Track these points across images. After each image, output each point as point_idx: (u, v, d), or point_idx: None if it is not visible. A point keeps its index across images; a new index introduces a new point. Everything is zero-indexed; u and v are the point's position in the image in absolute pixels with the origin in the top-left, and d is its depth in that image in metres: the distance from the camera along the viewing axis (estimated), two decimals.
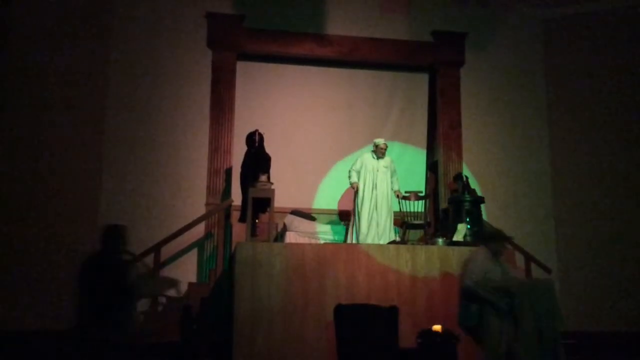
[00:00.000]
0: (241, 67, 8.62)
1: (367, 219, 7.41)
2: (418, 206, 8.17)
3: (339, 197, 8.54)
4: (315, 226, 7.94)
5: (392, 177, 7.69)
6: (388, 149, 7.91)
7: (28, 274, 7.20)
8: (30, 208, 7.42)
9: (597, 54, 8.95)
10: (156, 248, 7.22)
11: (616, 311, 8.02)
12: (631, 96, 8.75)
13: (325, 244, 6.65)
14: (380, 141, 7.73)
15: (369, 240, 7.27)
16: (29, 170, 7.51)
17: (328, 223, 8.21)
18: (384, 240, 7.21)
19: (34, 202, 7.47)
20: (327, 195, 8.50)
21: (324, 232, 7.82)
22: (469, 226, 6.93)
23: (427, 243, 7.20)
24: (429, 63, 9.08)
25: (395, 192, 7.69)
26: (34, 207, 7.45)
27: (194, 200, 8.05)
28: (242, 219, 7.23)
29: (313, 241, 7.23)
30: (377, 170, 7.58)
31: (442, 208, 8.47)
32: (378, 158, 7.64)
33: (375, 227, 7.36)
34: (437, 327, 5.42)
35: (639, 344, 5.70)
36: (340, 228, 8.08)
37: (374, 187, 7.50)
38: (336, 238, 7.82)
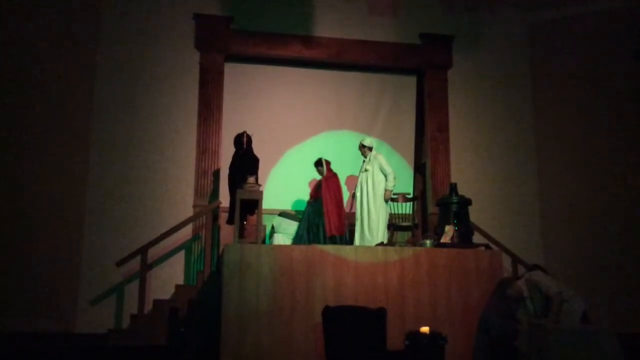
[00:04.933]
0: (229, 68, 8.60)
1: (359, 221, 7.42)
2: (406, 208, 8.20)
3: None
4: None
5: (381, 174, 7.42)
6: (377, 149, 7.91)
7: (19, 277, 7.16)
8: (12, 211, 7.35)
9: (582, 57, 9.04)
10: (143, 250, 7.18)
11: (603, 312, 8.07)
12: (616, 98, 8.83)
13: (313, 246, 6.64)
14: (361, 142, 7.68)
15: (360, 243, 7.27)
16: (13, 172, 7.43)
17: None
18: (374, 242, 7.18)
19: (17, 204, 7.40)
20: None
21: None
22: (456, 228, 6.95)
23: (414, 245, 7.22)
24: (416, 65, 9.11)
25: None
26: (16, 209, 7.38)
27: (181, 202, 8.02)
28: (230, 221, 7.21)
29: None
30: (361, 172, 7.58)
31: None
32: (364, 160, 7.65)
33: (368, 229, 7.32)
34: (424, 329, 5.44)
35: (627, 344, 5.74)
36: None
37: (360, 189, 7.50)
38: None
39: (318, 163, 7.76)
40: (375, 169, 7.43)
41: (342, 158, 8.46)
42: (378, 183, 7.40)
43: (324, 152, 8.53)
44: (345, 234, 7.53)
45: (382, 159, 7.51)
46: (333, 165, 7.82)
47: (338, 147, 8.66)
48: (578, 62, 9.05)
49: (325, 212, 7.38)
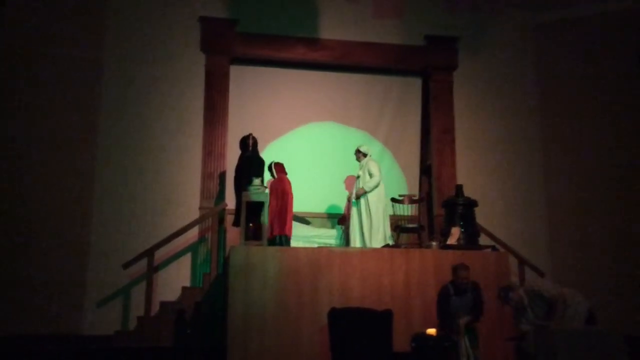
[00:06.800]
0: (234, 71, 8.62)
1: (356, 226, 7.40)
2: (412, 210, 8.18)
3: (333, 202, 8.55)
4: (310, 230, 7.94)
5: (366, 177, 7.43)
6: (381, 153, 7.92)
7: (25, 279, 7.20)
8: (19, 213, 7.37)
9: (588, 58, 9.02)
10: (150, 252, 7.20)
11: (610, 313, 8.04)
12: (622, 99, 8.80)
13: (319, 248, 6.64)
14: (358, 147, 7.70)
15: (357, 245, 7.26)
16: (19, 174, 7.46)
17: (324, 227, 8.22)
18: (374, 245, 7.16)
19: (24, 207, 7.43)
20: (322, 200, 8.49)
21: (319, 236, 7.81)
22: (462, 229, 6.95)
23: (420, 246, 7.21)
24: (421, 67, 9.10)
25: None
26: (23, 211, 7.40)
27: (187, 204, 8.03)
28: (235, 223, 7.22)
29: (307, 245, 7.22)
30: (356, 178, 7.60)
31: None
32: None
33: (361, 233, 7.31)
34: (431, 331, 5.44)
35: (633, 347, 5.72)
36: (334, 232, 8.08)
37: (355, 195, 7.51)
38: (330, 242, 7.82)
39: (269, 167, 7.42)
40: (365, 175, 7.45)
41: (345, 158, 8.47)
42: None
43: (325, 152, 8.57)
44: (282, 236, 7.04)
45: (371, 165, 7.49)
46: (336, 165, 7.78)
47: (342, 148, 8.66)
48: (583, 63, 9.03)
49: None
